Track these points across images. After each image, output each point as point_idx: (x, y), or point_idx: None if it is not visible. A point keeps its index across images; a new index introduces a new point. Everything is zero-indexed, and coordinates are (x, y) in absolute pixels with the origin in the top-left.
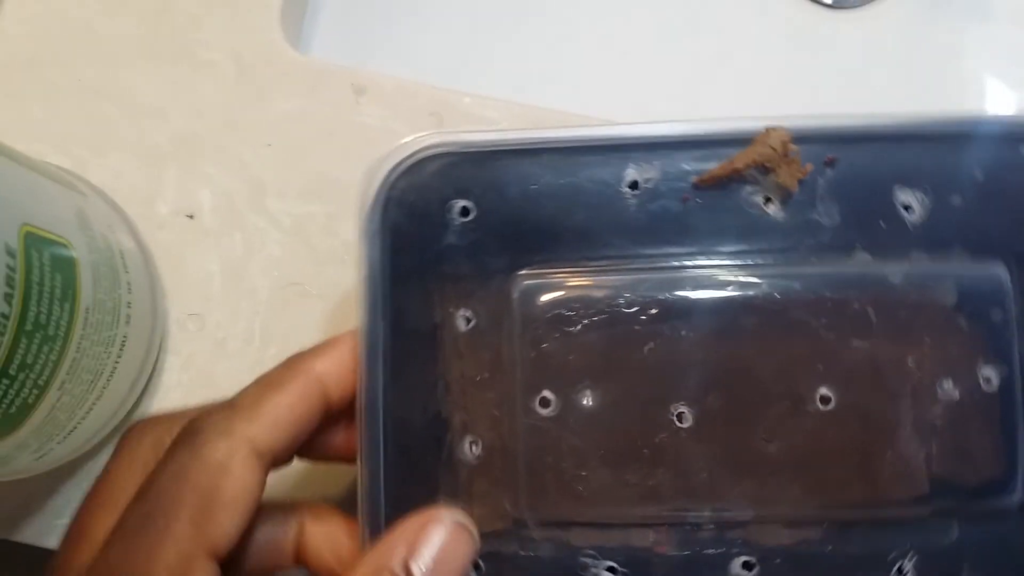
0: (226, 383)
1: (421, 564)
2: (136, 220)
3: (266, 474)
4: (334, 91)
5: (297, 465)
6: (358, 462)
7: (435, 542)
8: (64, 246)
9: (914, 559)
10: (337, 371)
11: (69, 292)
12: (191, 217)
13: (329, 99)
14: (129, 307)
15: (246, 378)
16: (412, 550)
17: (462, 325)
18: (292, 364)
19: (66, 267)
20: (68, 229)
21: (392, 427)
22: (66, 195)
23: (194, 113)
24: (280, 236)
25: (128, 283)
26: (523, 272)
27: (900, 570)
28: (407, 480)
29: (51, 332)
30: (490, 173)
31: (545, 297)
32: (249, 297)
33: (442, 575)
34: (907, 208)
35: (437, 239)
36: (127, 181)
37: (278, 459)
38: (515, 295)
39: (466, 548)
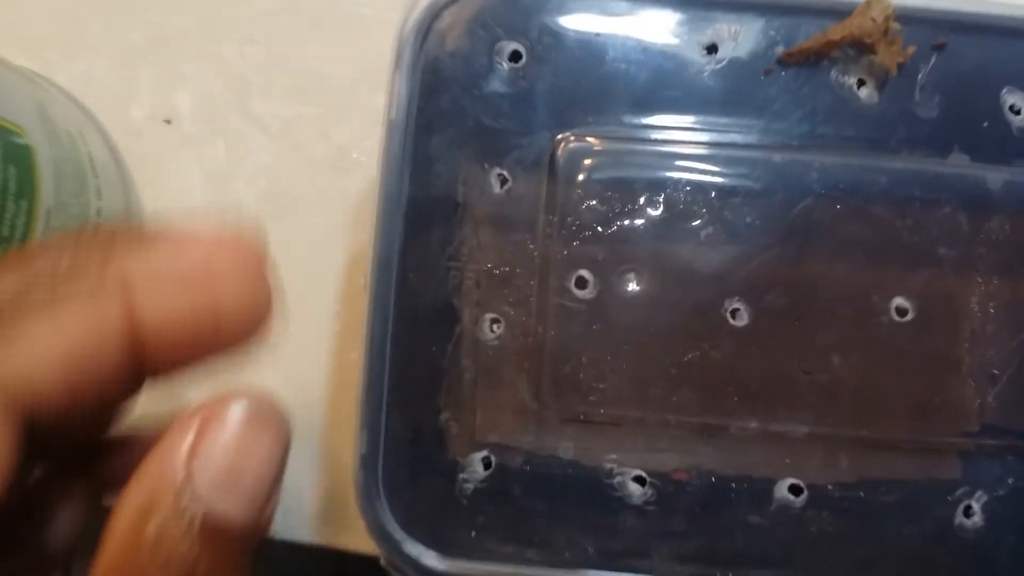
0: None
1: (204, 486)
2: (109, 127)
3: (25, 434)
4: None
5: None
6: (362, 333)
7: (223, 447)
8: (19, 135)
9: (983, 499)
10: (163, 277)
11: (26, 189)
12: (168, 122)
13: None
14: (99, 215)
15: None
16: (193, 466)
17: (496, 186)
18: (85, 259)
19: (22, 159)
20: (25, 119)
21: (404, 295)
22: (25, 87)
23: (170, 8)
24: (267, 141)
25: (98, 188)
26: (572, 134)
27: (967, 509)
28: (416, 357)
29: (5, 232)
30: (550, 15)
31: (594, 164)
32: (232, 210)
33: (237, 490)
34: (1017, 110)
35: (479, 84)
36: (99, 84)
37: (49, 412)
38: (560, 159)
39: (268, 450)
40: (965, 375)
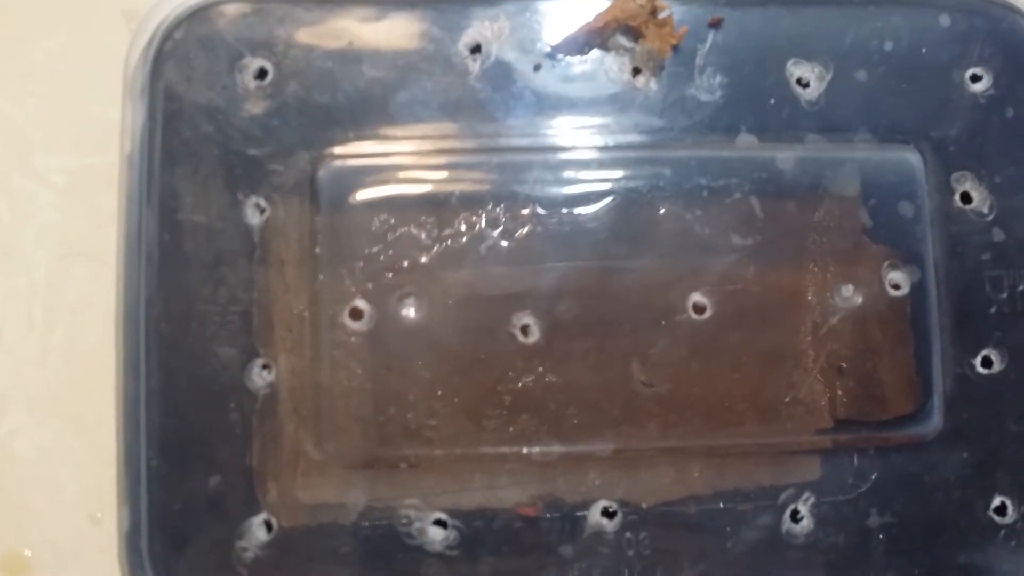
0: (6, 382)
1: None
2: None
3: None
4: (101, 19)
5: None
6: (115, 394)
7: None
8: None
9: (810, 501)
10: None
11: None
12: None
13: (97, 29)
14: None
15: (30, 373)
16: None
17: (253, 217)
18: None
19: None
20: None
21: (158, 349)
22: None
23: None
24: (54, 198)
25: None
26: (332, 152)
27: (794, 514)
28: (177, 417)
29: None
30: (295, 26)
31: (359, 183)
32: (23, 275)
33: None
34: (803, 83)
35: (224, 107)
36: None
37: None
38: (322, 180)
39: None
40: (811, 369)
